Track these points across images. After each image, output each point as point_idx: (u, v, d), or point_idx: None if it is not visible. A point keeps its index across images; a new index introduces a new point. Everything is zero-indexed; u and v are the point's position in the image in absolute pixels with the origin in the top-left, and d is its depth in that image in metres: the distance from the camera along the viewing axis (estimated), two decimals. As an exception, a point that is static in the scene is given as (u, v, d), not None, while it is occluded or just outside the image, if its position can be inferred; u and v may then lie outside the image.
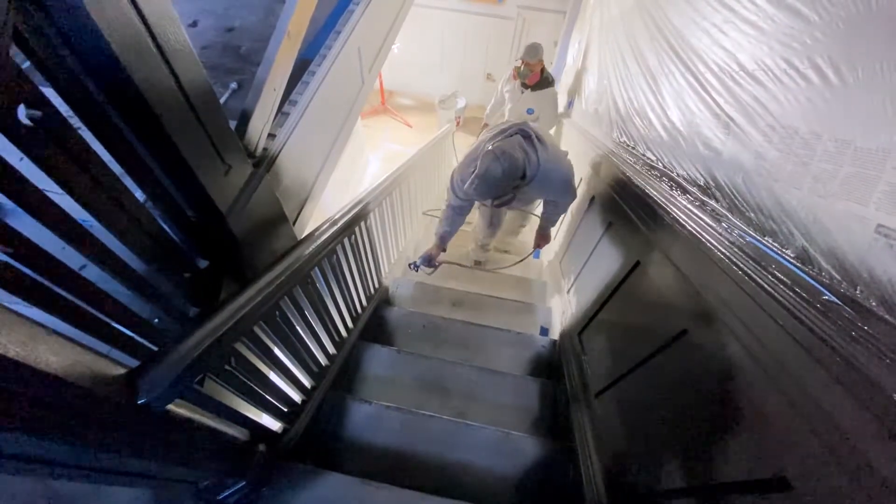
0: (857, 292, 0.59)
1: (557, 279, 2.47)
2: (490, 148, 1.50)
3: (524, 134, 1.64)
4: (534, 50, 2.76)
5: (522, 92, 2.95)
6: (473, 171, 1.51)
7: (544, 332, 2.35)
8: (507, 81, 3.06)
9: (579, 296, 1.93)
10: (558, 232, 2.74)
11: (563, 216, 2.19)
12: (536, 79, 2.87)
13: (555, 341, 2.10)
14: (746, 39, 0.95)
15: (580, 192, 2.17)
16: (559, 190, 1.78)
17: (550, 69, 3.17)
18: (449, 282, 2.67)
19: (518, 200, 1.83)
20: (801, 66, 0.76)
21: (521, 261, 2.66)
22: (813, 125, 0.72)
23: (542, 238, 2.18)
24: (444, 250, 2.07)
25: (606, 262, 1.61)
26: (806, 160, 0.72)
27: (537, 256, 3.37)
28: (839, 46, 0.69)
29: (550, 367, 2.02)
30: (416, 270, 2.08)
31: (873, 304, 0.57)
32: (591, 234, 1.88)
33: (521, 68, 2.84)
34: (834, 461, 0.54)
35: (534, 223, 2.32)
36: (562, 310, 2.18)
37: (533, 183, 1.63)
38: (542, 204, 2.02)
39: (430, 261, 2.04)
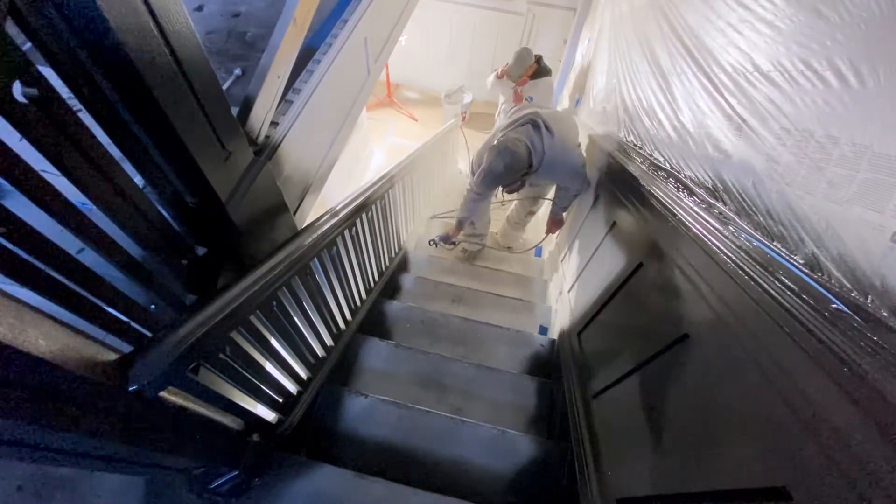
0: (868, 301, 0.58)
1: (558, 278, 2.45)
2: (495, 143, 1.56)
3: (534, 124, 1.72)
4: (521, 61, 2.66)
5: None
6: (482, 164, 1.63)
7: (543, 330, 2.34)
8: (496, 84, 2.94)
9: (580, 295, 1.91)
10: (560, 231, 2.72)
11: (575, 199, 2.20)
12: (525, 83, 2.79)
13: (554, 340, 2.09)
14: (763, 39, 0.92)
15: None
16: (567, 176, 1.88)
17: (559, 67, 3.13)
18: (449, 278, 2.66)
19: (529, 186, 1.95)
20: (820, 68, 0.74)
21: (533, 248, 2.98)
22: (830, 129, 0.70)
23: (555, 223, 2.33)
24: (462, 230, 2.33)
25: (609, 263, 1.59)
26: (821, 165, 0.70)
27: (539, 254, 3.35)
28: (860, 49, 0.67)
29: (549, 365, 2.01)
30: (436, 246, 2.46)
31: (884, 314, 0.55)
32: (594, 234, 1.86)
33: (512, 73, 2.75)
34: (837, 473, 0.53)
35: (543, 213, 2.42)
36: (562, 309, 2.16)
37: (540, 170, 1.73)
38: (554, 189, 2.15)
39: (448, 239, 2.35)
